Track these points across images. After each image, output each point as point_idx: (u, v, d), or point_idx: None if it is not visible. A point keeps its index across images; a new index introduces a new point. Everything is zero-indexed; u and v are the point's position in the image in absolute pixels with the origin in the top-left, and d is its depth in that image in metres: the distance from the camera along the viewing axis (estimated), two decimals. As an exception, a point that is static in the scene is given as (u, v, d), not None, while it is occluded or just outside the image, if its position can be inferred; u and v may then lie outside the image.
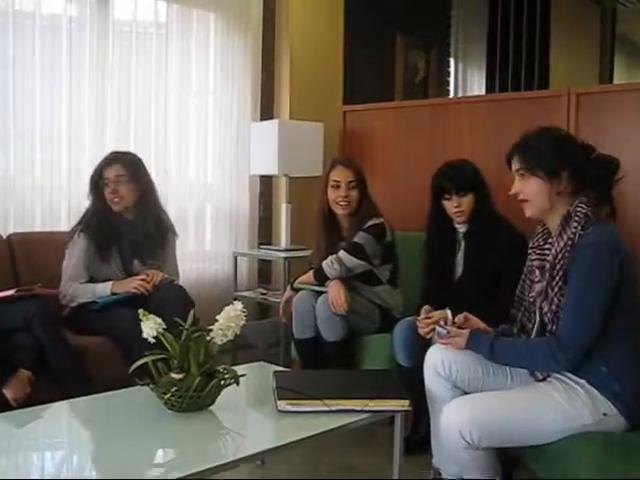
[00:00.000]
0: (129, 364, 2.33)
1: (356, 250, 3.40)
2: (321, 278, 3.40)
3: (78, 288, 3.41)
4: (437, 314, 2.72)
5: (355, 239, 3.42)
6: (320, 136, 4.54)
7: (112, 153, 3.55)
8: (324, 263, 3.41)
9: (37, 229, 3.82)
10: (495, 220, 3.12)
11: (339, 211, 3.50)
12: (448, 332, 2.47)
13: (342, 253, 3.41)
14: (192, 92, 4.52)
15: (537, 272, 2.37)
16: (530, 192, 2.33)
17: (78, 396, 2.50)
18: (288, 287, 3.59)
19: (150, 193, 3.58)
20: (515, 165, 2.37)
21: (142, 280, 3.38)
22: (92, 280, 3.45)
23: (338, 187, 3.48)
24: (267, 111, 4.92)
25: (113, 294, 3.38)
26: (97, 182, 3.48)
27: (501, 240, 3.04)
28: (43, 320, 3.04)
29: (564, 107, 3.61)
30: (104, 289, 3.39)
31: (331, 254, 3.44)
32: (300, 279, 3.52)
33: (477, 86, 7.03)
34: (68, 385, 2.93)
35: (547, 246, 2.34)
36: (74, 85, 3.94)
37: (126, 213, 3.52)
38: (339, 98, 5.15)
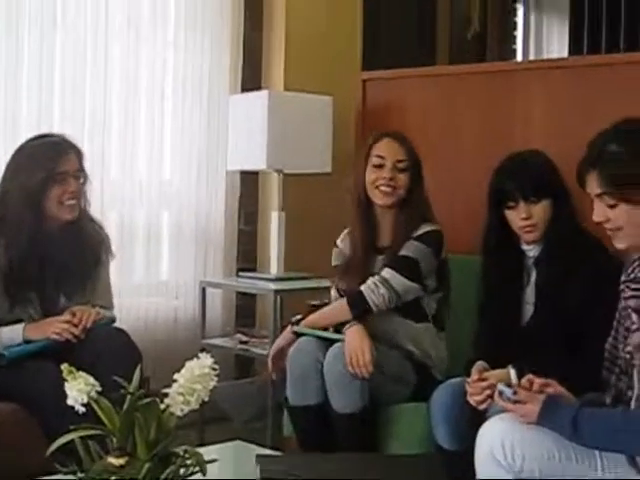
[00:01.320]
0: (48, 443, 2.32)
1: (409, 267, 3.41)
2: (359, 308, 3.39)
3: None
4: (496, 374, 2.69)
5: (404, 251, 3.43)
6: (328, 115, 4.56)
7: (47, 137, 3.55)
8: (364, 287, 3.41)
9: None
10: (580, 238, 3.12)
11: (378, 199, 3.51)
12: (515, 393, 2.47)
13: (388, 272, 3.41)
14: (144, 50, 4.55)
15: (634, 316, 2.36)
16: (621, 221, 2.34)
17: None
18: (288, 328, 3.58)
19: (85, 190, 3.60)
20: (592, 188, 2.39)
21: (67, 322, 3.38)
22: None
23: (381, 167, 3.51)
24: (252, 79, 4.96)
25: (26, 342, 3.38)
26: (44, 179, 3.46)
27: (589, 267, 3.03)
28: None
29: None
30: (13, 334, 3.39)
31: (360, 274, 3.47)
32: (309, 319, 3.52)
33: (557, 45, 7.06)
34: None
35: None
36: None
37: (65, 225, 3.53)
38: (356, 62, 5.18)
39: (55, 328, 3.36)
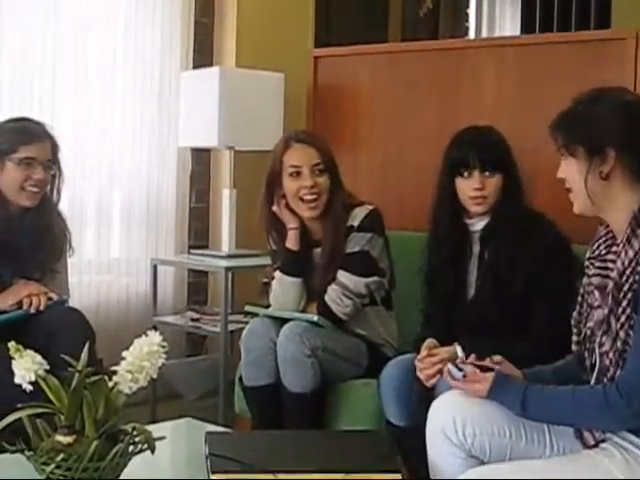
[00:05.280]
0: (-4, 422, 2.31)
1: (362, 264, 3.40)
2: (330, 319, 3.39)
3: None
4: (444, 351, 2.71)
5: (351, 247, 3.40)
6: (280, 92, 4.56)
7: (27, 121, 3.52)
8: (329, 298, 3.40)
9: None
10: (529, 215, 3.14)
11: (305, 212, 3.46)
12: (464, 375, 2.48)
13: (345, 275, 3.40)
14: (94, 24, 4.50)
15: (597, 293, 2.38)
16: (570, 177, 2.36)
17: None
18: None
19: (59, 185, 3.60)
20: (557, 142, 2.40)
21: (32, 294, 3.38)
22: None
23: (299, 174, 3.45)
24: (203, 56, 4.93)
25: None
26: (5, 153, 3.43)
27: (537, 243, 3.05)
28: None
29: (630, 54, 3.65)
30: None
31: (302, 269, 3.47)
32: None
33: (510, 23, 7.09)
34: None
35: (611, 256, 2.36)
36: None
37: (26, 212, 3.50)
38: (308, 38, 5.18)
39: (27, 291, 3.36)
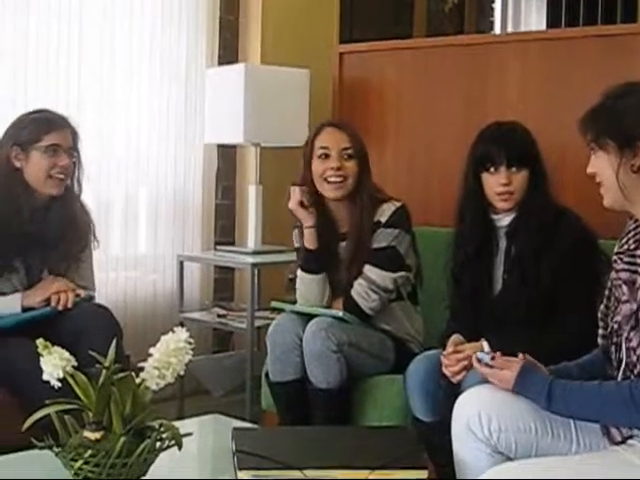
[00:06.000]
0: (25, 418, 2.31)
1: (389, 259, 3.40)
2: (356, 314, 3.39)
3: None
4: (470, 347, 2.70)
5: (378, 242, 3.41)
6: (305, 88, 4.56)
7: (48, 112, 3.55)
8: (355, 293, 3.41)
9: None
10: (555, 210, 3.13)
11: (329, 192, 3.46)
12: (493, 358, 2.50)
13: (372, 270, 3.40)
14: (120, 22, 4.51)
15: (625, 288, 2.37)
16: (600, 171, 2.35)
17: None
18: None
19: (79, 176, 3.62)
20: (587, 137, 2.39)
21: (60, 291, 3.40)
22: None
23: (327, 157, 3.47)
24: (229, 52, 4.94)
25: (24, 310, 3.39)
26: (25, 148, 3.46)
27: (564, 239, 3.04)
28: None
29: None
30: (11, 303, 3.39)
31: (329, 262, 3.48)
32: None
33: (535, 18, 7.05)
34: None
35: (640, 252, 2.35)
36: None
37: (51, 202, 3.53)
38: (333, 34, 5.17)
39: (52, 291, 3.38)
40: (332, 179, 3.44)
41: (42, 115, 3.51)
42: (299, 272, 3.53)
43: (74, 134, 3.54)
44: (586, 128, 2.40)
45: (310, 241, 3.49)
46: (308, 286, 3.51)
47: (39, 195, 3.47)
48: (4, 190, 3.43)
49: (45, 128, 3.45)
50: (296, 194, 3.48)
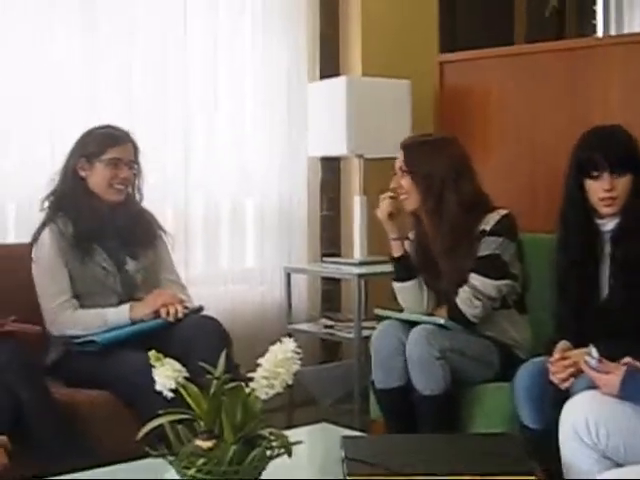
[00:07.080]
0: (139, 427, 2.37)
1: (493, 266, 3.41)
2: (460, 322, 3.43)
3: (77, 316, 3.53)
4: (577, 354, 2.68)
5: (482, 251, 3.42)
6: (407, 99, 4.57)
7: (112, 128, 3.72)
8: (460, 301, 3.43)
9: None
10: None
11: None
12: (600, 361, 2.49)
13: (476, 278, 3.41)
14: (222, 42, 4.60)
15: None
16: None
17: (67, 471, 2.56)
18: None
19: (140, 185, 3.81)
20: None
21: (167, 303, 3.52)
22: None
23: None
24: (330, 66, 4.97)
25: (133, 322, 3.50)
26: (90, 160, 3.63)
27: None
28: (20, 368, 3.10)
29: None
30: (120, 315, 3.52)
31: (430, 272, 3.51)
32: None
33: (638, 19, 6.94)
34: (54, 455, 3.02)
35: None
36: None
37: (115, 206, 3.70)
38: (433, 45, 5.16)
39: (161, 301, 3.51)
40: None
41: (107, 131, 3.72)
42: (392, 282, 3.60)
43: (135, 148, 3.74)
44: None
45: (395, 249, 3.58)
46: (402, 294, 3.59)
47: (102, 201, 3.66)
48: (71, 193, 3.65)
49: (109, 142, 3.67)
50: (385, 204, 3.54)
